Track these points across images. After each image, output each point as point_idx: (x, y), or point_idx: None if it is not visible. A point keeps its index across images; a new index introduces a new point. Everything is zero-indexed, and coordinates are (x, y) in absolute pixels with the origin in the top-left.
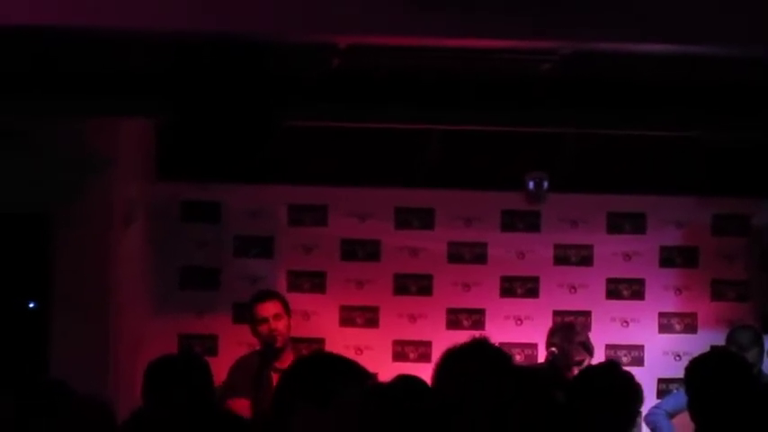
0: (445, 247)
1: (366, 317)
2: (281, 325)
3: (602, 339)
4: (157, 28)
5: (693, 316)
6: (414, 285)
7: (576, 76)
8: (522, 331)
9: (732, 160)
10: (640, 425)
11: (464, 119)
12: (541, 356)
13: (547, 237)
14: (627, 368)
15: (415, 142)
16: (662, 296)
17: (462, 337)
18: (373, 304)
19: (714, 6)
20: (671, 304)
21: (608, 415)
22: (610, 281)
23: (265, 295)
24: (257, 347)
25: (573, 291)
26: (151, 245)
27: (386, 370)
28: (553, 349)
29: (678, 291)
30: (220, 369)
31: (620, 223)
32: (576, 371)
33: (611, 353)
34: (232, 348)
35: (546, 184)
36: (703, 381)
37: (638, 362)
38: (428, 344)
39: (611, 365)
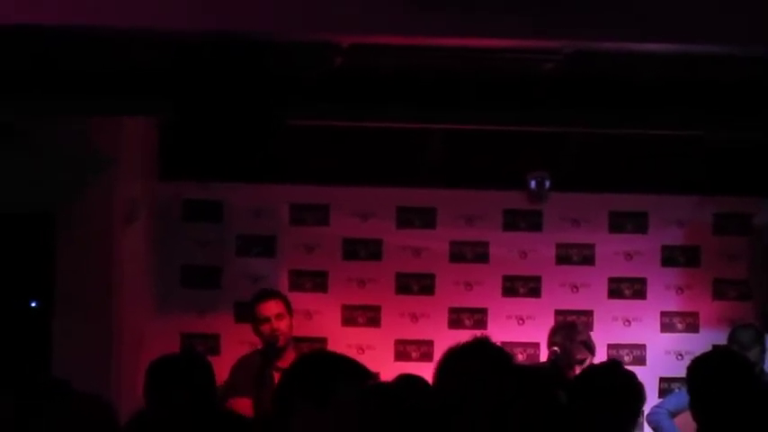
0: (447, 247)
1: (368, 316)
2: (282, 324)
3: (603, 339)
4: (158, 27)
5: (695, 315)
6: (416, 285)
7: (577, 75)
8: (524, 331)
9: (733, 159)
10: (642, 424)
11: (466, 118)
12: (543, 356)
13: (549, 236)
14: (629, 367)
15: (417, 142)
16: (664, 295)
17: (464, 336)
18: (375, 303)
19: (714, 6)
20: (673, 303)
21: (610, 414)
22: (612, 280)
23: (267, 295)
24: (259, 347)
25: (575, 290)
26: (153, 244)
27: (388, 369)
28: (555, 348)
29: (680, 290)
30: (222, 368)
31: (621, 222)
32: (577, 370)
33: (613, 352)
34: (234, 347)
35: (548, 184)
36: (705, 380)
37: (640, 361)
38: (430, 343)
39: (613, 365)
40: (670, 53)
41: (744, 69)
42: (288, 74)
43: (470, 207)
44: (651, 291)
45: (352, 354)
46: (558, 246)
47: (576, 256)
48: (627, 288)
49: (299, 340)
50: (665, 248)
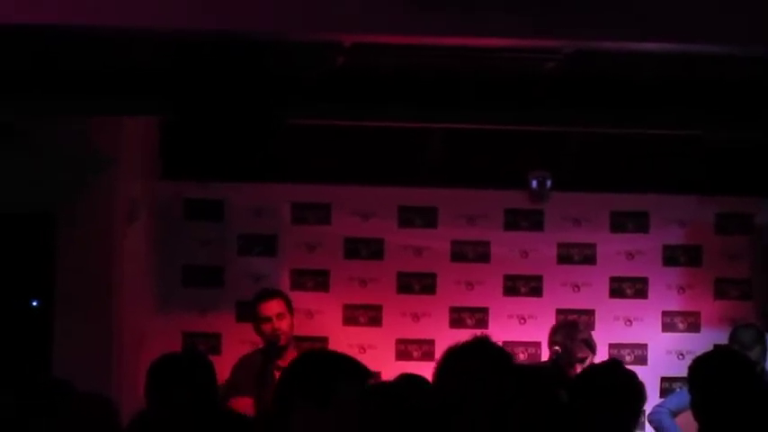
0: (448, 246)
1: (369, 315)
2: (284, 324)
3: (605, 338)
4: (158, 27)
5: (697, 315)
6: (417, 284)
7: (577, 75)
8: (526, 330)
9: (735, 159)
10: (644, 424)
11: (466, 117)
12: (545, 355)
13: (550, 235)
14: (630, 367)
15: (418, 141)
16: (665, 295)
17: (465, 335)
18: (376, 303)
19: (714, 6)
20: (674, 303)
21: (610, 414)
22: (613, 279)
23: (268, 294)
24: (260, 346)
25: (576, 289)
26: (154, 243)
27: (389, 368)
28: (556, 348)
29: (681, 289)
30: (224, 367)
31: (623, 222)
32: (578, 368)
33: (615, 351)
34: (235, 347)
35: (549, 183)
36: (706, 379)
37: (642, 360)
38: (431, 342)
39: (614, 364)
40: (670, 53)
41: (744, 69)
42: (288, 73)
43: (471, 206)
44: (652, 290)
45: (353, 353)
46: (560, 245)
47: (577, 255)
48: (628, 287)
49: (300, 339)
50: (666, 248)
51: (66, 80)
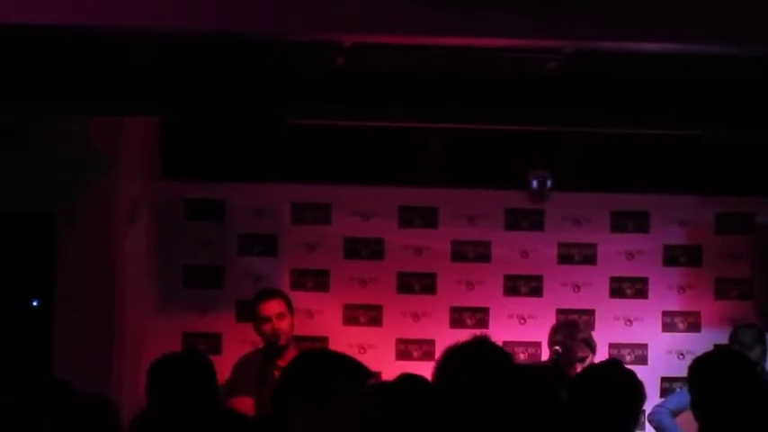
0: (449, 246)
1: (369, 315)
2: (284, 324)
3: (605, 338)
4: (158, 27)
5: (697, 315)
6: (417, 284)
7: (577, 75)
8: (526, 330)
9: (735, 159)
10: (644, 424)
11: (467, 117)
12: (545, 355)
13: (550, 235)
14: (630, 367)
15: (418, 141)
16: (665, 295)
17: (466, 335)
18: (377, 303)
19: (714, 6)
20: (674, 303)
21: (610, 413)
22: (613, 279)
23: (268, 294)
24: (261, 346)
25: (576, 289)
26: (155, 243)
27: (389, 368)
28: (556, 348)
29: (681, 289)
30: (224, 367)
31: (623, 222)
32: (579, 367)
33: (615, 351)
34: (236, 346)
35: (549, 183)
36: (707, 379)
37: (642, 360)
38: (431, 342)
39: (613, 363)
40: (670, 53)
41: (744, 69)
42: (288, 73)
43: (472, 206)
44: (653, 290)
45: (353, 353)
46: (560, 245)
47: (577, 255)
48: (628, 287)
49: (300, 339)
50: (666, 248)
51: (66, 80)
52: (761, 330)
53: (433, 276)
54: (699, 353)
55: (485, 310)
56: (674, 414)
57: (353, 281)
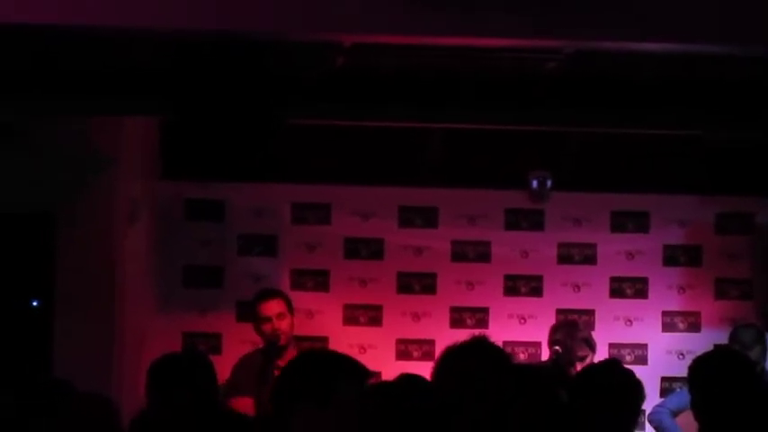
0: (449, 246)
1: (369, 315)
2: (284, 324)
3: (605, 338)
4: (158, 27)
5: (697, 315)
6: (417, 284)
7: (577, 75)
8: (526, 330)
9: (735, 159)
10: (644, 424)
11: (467, 117)
12: (545, 355)
13: (550, 235)
14: (630, 367)
15: (417, 141)
16: (665, 295)
17: (466, 335)
18: (377, 303)
19: (714, 6)
20: (674, 303)
21: (610, 413)
22: (613, 279)
23: (268, 294)
24: (261, 346)
25: (576, 289)
26: (155, 244)
27: (389, 368)
28: (557, 348)
29: (681, 289)
30: (224, 367)
31: (623, 222)
32: (579, 366)
33: (615, 352)
34: (236, 347)
35: (549, 183)
36: (707, 379)
37: (642, 360)
38: (431, 342)
39: (612, 363)
40: (670, 53)
41: (744, 69)
42: (288, 73)
43: (472, 206)
44: (653, 290)
45: (353, 353)
46: (560, 245)
47: (577, 255)
48: (628, 287)
49: (300, 339)
50: (666, 248)
51: (66, 80)
52: (761, 330)
53: (433, 276)
54: (699, 353)
55: (485, 310)
56: (674, 414)
57: (353, 281)
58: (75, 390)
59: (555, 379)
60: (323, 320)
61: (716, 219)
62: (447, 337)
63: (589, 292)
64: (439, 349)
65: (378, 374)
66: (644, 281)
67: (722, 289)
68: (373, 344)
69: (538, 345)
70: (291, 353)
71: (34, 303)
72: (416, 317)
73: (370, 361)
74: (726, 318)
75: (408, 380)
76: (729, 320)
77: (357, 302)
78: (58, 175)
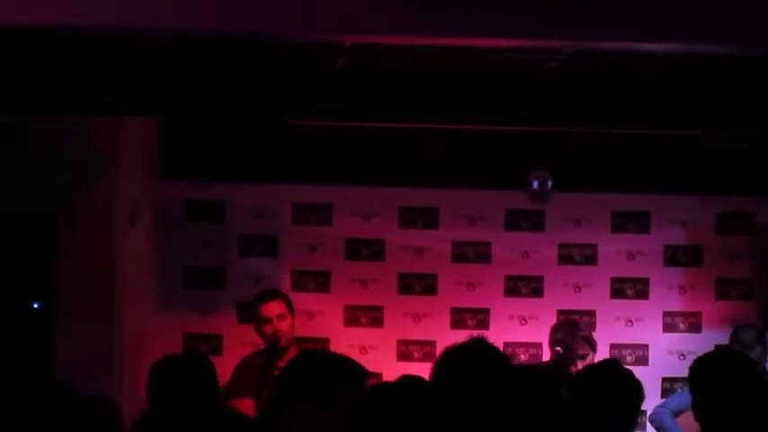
0: (449, 247)
1: (370, 316)
2: (284, 325)
3: (606, 339)
4: (158, 27)
5: (698, 315)
6: (418, 285)
7: (577, 75)
8: (527, 331)
9: (735, 159)
10: (645, 424)
11: (467, 118)
12: (546, 356)
13: (551, 236)
14: (631, 367)
15: (417, 141)
16: (666, 295)
17: (467, 336)
18: (378, 304)
19: (714, 6)
20: (675, 303)
21: (609, 413)
22: (614, 280)
23: (269, 295)
24: (261, 347)
25: (577, 290)
26: (155, 244)
27: (390, 369)
28: (557, 349)
29: (682, 290)
30: (225, 368)
31: (624, 222)
32: (580, 365)
33: (616, 352)
34: (237, 348)
35: (550, 184)
36: (708, 380)
37: (643, 361)
38: (432, 343)
39: (611, 363)
40: (670, 53)
41: (744, 69)
42: (288, 74)
43: (472, 207)
44: (653, 291)
45: (354, 354)
46: (561, 246)
47: (578, 256)
48: (629, 288)
49: (301, 340)
50: (667, 248)
51: (66, 80)
52: (761, 331)
53: (433, 277)
54: (700, 353)
55: (485, 311)
56: (675, 414)
57: (354, 282)
58: (75, 390)
59: (556, 379)
60: (324, 321)
61: (716, 219)
62: (448, 337)
63: (590, 293)
64: (440, 350)
65: (379, 375)
66: (645, 281)
67: (723, 289)
68: (374, 345)
69: (539, 345)
70: (292, 354)
71: (35, 305)
72: (417, 318)
73: (371, 362)
74: (726, 318)
75: (408, 381)
76: (730, 321)
77: (358, 303)
78: (58, 175)
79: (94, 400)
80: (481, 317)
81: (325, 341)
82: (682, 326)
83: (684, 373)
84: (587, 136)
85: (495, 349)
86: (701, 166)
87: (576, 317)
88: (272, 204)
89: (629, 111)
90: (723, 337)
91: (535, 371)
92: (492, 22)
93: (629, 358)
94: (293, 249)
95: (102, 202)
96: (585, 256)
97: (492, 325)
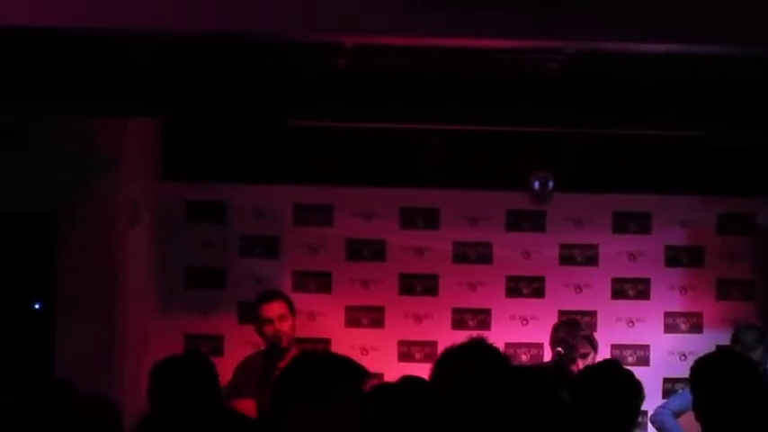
0: (450, 247)
1: (372, 317)
2: (285, 325)
3: (607, 339)
4: (158, 27)
5: (699, 315)
6: (419, 285)
7: (578, 75)
8: (528, 331)
9: (736, 159)
10: (646, 424)
11: (468, 118)
12: (547, 356)
13: (552, 236)
14: (632, 368)
15: (418, 142)
16: (667, 296)
17: (468, 337)
18: (379, 304)
19: (714, 6)
20: (676, 304)
21: (609, 413)
22: (615, 281)
23: (270, 295)
24: (262, 347)
25: (578, 290)
26: (156, 245)
27: (391, 370)
28: (559, 349)
29: (683, 290)
30: (226, 369)
31: (625, 223)
32: (581, 364)
33: (617, 353)
34: (238, 349)
35: (551, 184)
36: (709, 380)
37: (644, 361)
38: (434, 344)
39: (611, 363)
40: (671, 53)
41: (744, 69)
42: (289, 74)
43: (473, 207)
44: (655, 291)
45: (355, 355)
46: (562, 246)
47: (579, 256)
48: (630, 288)
49: (302, 341)
50: (668, 249)
51: (66, 80)
52: (762, 331)
53: (434, 278)
54: (701, 354)
55: (487, 312)
56: (677, 415)
57: (355, 282)
58: (75, 390)
59: (557, 379)
60: (325, 322)
61: (717, 219)
62: (449, 338)
63: (591, 294)
64: (441, 351)
65: (380, 376)
66: (646, 282)
67: (724, 290)
68: (375, 345)
69: (540, 346)
70: (293, 355)
71: (36, 306)
72: (418, 318)
73: (372, 363)
74: (727, 319)
75: (409, 381)
76: (731, 321)
77: (359, 304)
78: (58, 175)
79: (95, 401)
80: (482, 317)
81: (327, 342)
82: (683, 326)
83: (685, 374)
84: (588, 136)
85: (495, 350)
86: (702, 167)
87: (578, 317)
88: (273, 205)
89: (630, 111)
90: (724, 338)
91: (536, 371)
92: (492, 22)
93: (630, 359)
94: (294, 250)
95: (102, 202)
96: (586, 257)
97: (493, 325)
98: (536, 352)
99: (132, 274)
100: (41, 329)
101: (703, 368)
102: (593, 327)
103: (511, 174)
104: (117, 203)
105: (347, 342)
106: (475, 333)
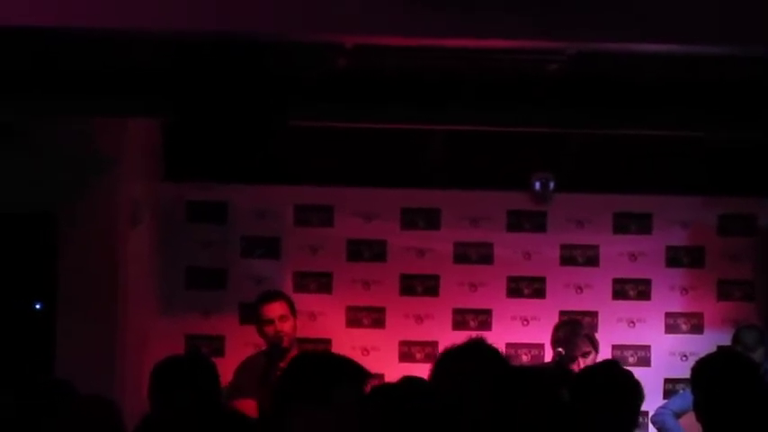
0: (451, 248)
1: (372, 317)
2: (286, 326)
3: (608, 340)
4: (158, 27)
5: (700, 316)
6: (420, 286)
7: (578, 76)
8: (529, 331)
9: (738, 160)
10: (647, 425)
11: (468, 119)
12: (548, 356)
13: (553, 237)
14: (633, 368)
15: (418, 142)
16: (668, 296)
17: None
18: (380, 305)
19: (714, 6)
20: (677, 304)
21: (609, 413)
22: (616, 281)
23: (271, 296)
24: (263, 348)
25: (579, 291)
26: (157, 245)
27: (392, 370)
28: (560, 349)
29: (684, 291)
30: (227, 370)
31: (626, 223)
32: (582, 363)
33: (618, 353)
34: (239, 349)
35: (552, 185)
36: (710, 381)
37: (645, 362)
38: (434, 344)
39: (611, 363)
40: (671, 54)
41: (744, 69)
42: (289, 74)
43: (474, 208)
44: (655, 292)
45: (356, 355)
46: (563, 247)
47: (580, 257)
48: (631, 289)
49: (303, 342)
50: (669, 249)
51: (66, 80)
52: (763, 332)
53: (435, 278)
54: (702, 354)
55: (488, 312)
56: (678, 415)
57: (356, 283)
58: (75, 390)
59: (557, 379)
60: (326, 322)
61: (718, 220)
62: (450, 338)
63: (592, 294)
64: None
65: (381, 377)
66: (647, 282)
67: (725, 290)
68: (376, 346)
69: (541, 346)
70: (294, 355)
71: (36, 306)
72: (419, 319)
73: (373, 363)
74: (728, 319)
75: (409, 382)
76: (732, 322)
77: (360, 304)
78: (58, 175)
79: (95, 401)
80: (483, 318)
81: (327, 342)
82: (684, 327)
83: (686, 374)
84: (589, 137)
85: (494, 350)
86: (703, 167)
87: (579, 318)
88: (274, 205)
89: (631, 111)
90: (725, 339)
91: (536, 371)
92: (493, 22)
93: (631, 359)
94: (295, 250)
95: (103, 202)
96: (587, 257)
97: (494, 326)
98: (537, 352)
99: (133, 274)
100: (42, 329)
101: (704, 369)
102: (593, 327)
103: (511, 174)
104: (117, 204)
105: (348, 342)
106: (476, 333)
